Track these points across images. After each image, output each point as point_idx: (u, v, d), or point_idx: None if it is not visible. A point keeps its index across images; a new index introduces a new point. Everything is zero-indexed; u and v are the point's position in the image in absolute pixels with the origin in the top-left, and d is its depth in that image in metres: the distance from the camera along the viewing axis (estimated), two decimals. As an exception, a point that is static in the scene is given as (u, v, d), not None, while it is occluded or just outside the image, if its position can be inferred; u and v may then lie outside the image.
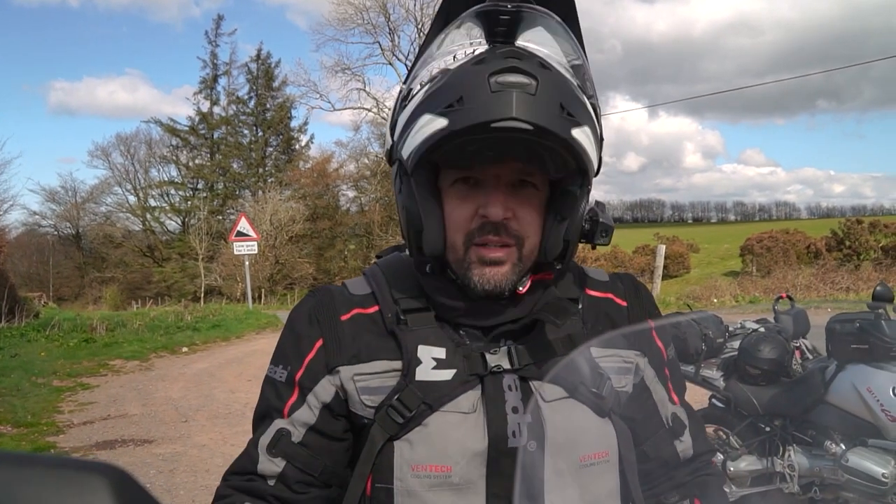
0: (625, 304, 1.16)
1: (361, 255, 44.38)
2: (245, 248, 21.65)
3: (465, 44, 0.98)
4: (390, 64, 37.51)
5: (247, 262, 22.37)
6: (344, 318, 1.08)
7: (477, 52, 0.95)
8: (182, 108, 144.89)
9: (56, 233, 51.74)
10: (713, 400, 4.40)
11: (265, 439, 1.06)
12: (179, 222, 51.96)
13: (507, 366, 1.02)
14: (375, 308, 1.09)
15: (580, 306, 1.12)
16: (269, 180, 49.29)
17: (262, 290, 39.10)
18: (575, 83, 0.97)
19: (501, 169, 0.99)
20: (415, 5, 36.11)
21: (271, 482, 1.05)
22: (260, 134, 52.79)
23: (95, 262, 49.06)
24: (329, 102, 38.09)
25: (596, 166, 1.02)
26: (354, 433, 1.08)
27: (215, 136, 52.11)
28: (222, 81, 52.48)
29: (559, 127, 0.91)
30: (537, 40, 0.97)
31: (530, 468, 0.98)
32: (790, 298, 5.37)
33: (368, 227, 43.27)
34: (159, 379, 10.60)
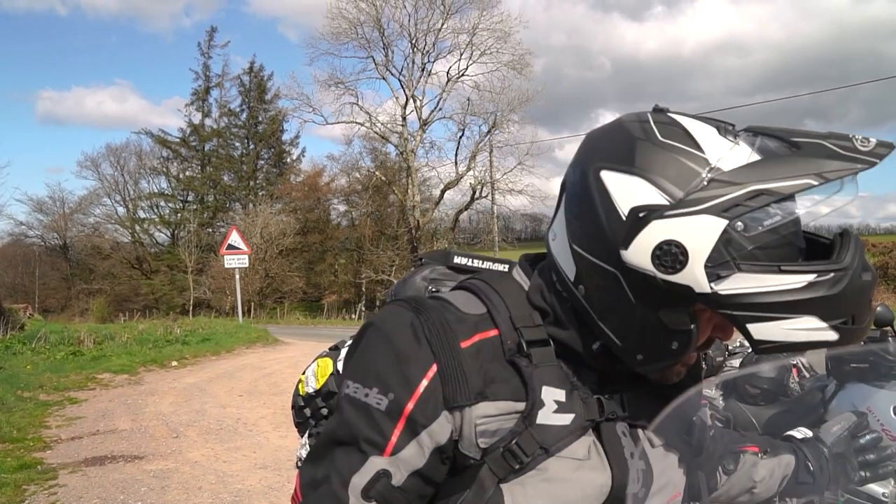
0: None
1: (352, 269, 44.39)
2: (236, 262, 21.55)
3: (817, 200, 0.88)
4: (383, 78, 37.57)
5: (237, 276, 22.26)
6: (464, 343, 0.95)
7: (860, 257, 0.86)
8: (171, 119, 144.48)
9: (43, 243, 51.55)
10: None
11: (359, 479, 0.93)
12: (169, 234, 51.96)
13: (620, 412, 1.00)
14: (495, 332, 0.97)
15: None
16: (260, 193, 49.34)
17: (252, 304, 39.00)
18: None
19: None
20: (409, 21, 36.25)
21: None
22: (251, 147, 52.85)
23: (83, 273, 48.85)
24: (322, 116, 37.99)
25: None
26: (452, 471, 0.97)
27: (206, 148, 52.19)
28: (214, 93, 52.76)
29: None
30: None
31: None
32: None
33: (359, 242, 43.27)
34: (149, 393, 10.49)
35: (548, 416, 0.94)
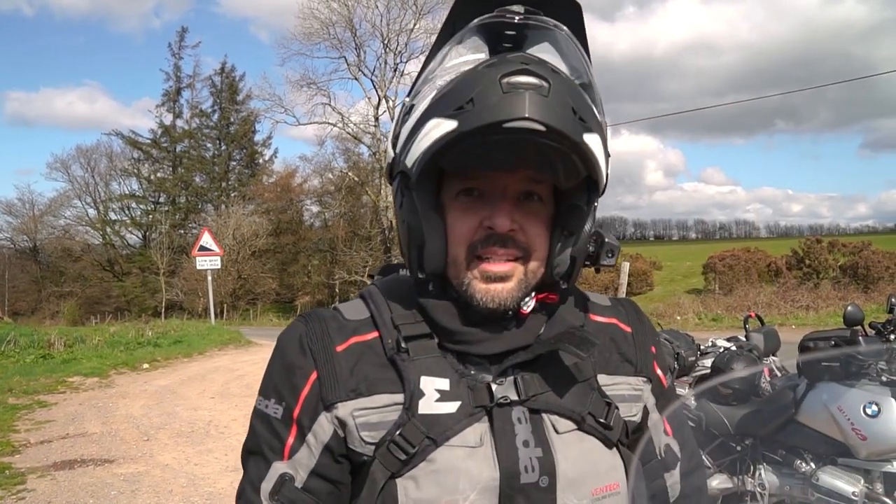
0: (629, 329, 1.13)
1: (325, 270, 44.20)
2: (208, 263, 21.38)
3: (467, 60, 0.94)
4: (356, 79, 37.52)
5: (210, 277, 22.07)
6: (339, 347, 1.00)
7: (488, 59, 0.92)
8: (142, 120, 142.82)
9: (12, 246, 50.56)
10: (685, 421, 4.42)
11: (266, 485, 0.99)
12: (140, 236, 51.32)
13: (514, 397, 0.97)
14: (374, 334, 1.02)
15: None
16: (233, 194, 48.95)
17: (225, 306, 38.68)
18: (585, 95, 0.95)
19: (508, 179, 0.96)
20: (381, 21, 36.21)
21: None
22: (223, 148, 52.45)
23: (53, 275, 48.07)
24: (294, 117, 38.01)
25: (604, 181, 0.99)
26: (353, 471, 1.00)
27: (178, 149, 51.68)
28: (185, 94, 52.23)
29: (572, 130, 0.88)
30: (542, 57, 0.93)
31: None
32: (759, 318, 5.44)
33: (332, 243, 43.12)
34: (120, 396, 10.35)
35: (430, 406, 0.94)
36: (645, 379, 1.10)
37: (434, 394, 0.95)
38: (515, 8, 0.95)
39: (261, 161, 53.87)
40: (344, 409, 0.97)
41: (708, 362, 4.46)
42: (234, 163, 53.51)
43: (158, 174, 51.66)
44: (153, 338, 16.91)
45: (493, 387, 0.97)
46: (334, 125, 37.28)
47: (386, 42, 36.62)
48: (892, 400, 3.60)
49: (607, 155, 0.98)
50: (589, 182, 0.98)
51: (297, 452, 0.99)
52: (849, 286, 23.35)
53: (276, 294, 45.81)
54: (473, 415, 0.95)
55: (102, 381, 11.68)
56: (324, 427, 0.98)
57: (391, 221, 36.74)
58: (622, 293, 18.33)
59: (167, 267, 42.77)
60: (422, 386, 0.95)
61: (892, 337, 3.83)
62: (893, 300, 4.18)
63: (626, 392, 1.06)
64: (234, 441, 7.51)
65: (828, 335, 3.87)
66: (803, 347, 3.96)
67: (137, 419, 8.70)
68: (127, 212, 51.43)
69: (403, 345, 0.98)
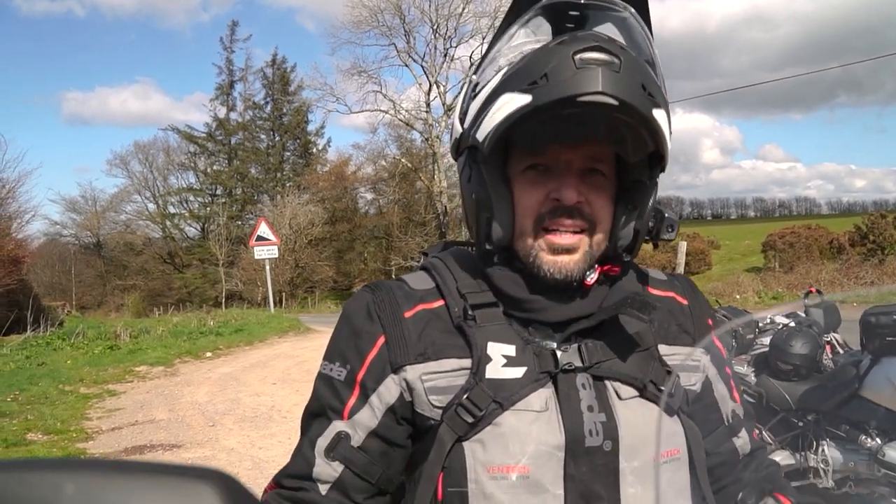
0: (686, 302, 1.15)
1: (381, 256, 44.56)
2: (266, 252, 21.69)
3: (531, 40, 0.97)
4: (406, 65, 37.57)
5: (268, 266, 22.42)
6: (408, 314, 1.03)
7: (559, 36, 0.94)
8: (194, 114, 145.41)
9: (77, 242, 52.32)
10: (745, 396, 4.36)
11: (323, 441, 1.02)
12: (199, 228, 52.43)
13: (578, 363, 0.99)
14: (441, 302, 1.05)
15: None
16: (288, 184, 49.55)
17: (283, 294, 39.31)
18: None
19: (573, 154, 0.99)
20: (429, 6, 36.14)
21: (325, 488, 1.01)
22: (277, 139, 53.12)
23: (117, 270, 49.57)
24: (346, 105, 38.28)
25: (668, 157, 1.01)
26: (418, 435, 1.03)
27: (233, 141, 52.57)
28: (238, 87, 53.00)
29: (642, 105, 0.90)
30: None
31: (606, 468, 0.96)
32: (819, 292, 5.32)
33: (387, 229, 43.40)
34: (185, 384, 10.64)
35: (497, 371, 0.97)
36: (703, 350, 1.12)
37: (501, 359, 0.98)
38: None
39: (314, 150, 54.47)
40: (413, 373, 1.00)
41: (766, 339, 4.38)
42: (288, 153, 54.21)
43: (214, 167, 52.75)
44: (215, 327, 17.32)
45: (558, 353, 1.00)
46: (386, 112, 37.47)
47: (435, 27, 36.57)
48: (959, 374, 3.51)
49: (670, 129, 1.00)
50: (652, 158, 1.01)
51: (358, 413, 1.02)
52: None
53: (334, 282, 46.34)
54: (539, 380, 0.98)
55: (168, 370, 12.03)
56: (390, 389, 1.01)
57: (446, 206, 36.84)
58: (680, 272, 18.08)
59: (226, 258, 43.62)
60: (489, 352, 0.98)
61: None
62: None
63: (686, 362, 1.08)
64: (296, 425, 7.55)
65: (891, 310, 3.77)
66: (865, 323, 3.87)
67: (202, 405, 8.94)
68: (185, 205, 52.72)
69: (470, 312, 1.02)
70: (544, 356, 0.99)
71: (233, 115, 52.71)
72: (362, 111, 37.61)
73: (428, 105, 37.31)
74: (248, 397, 9.39)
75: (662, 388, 1.01)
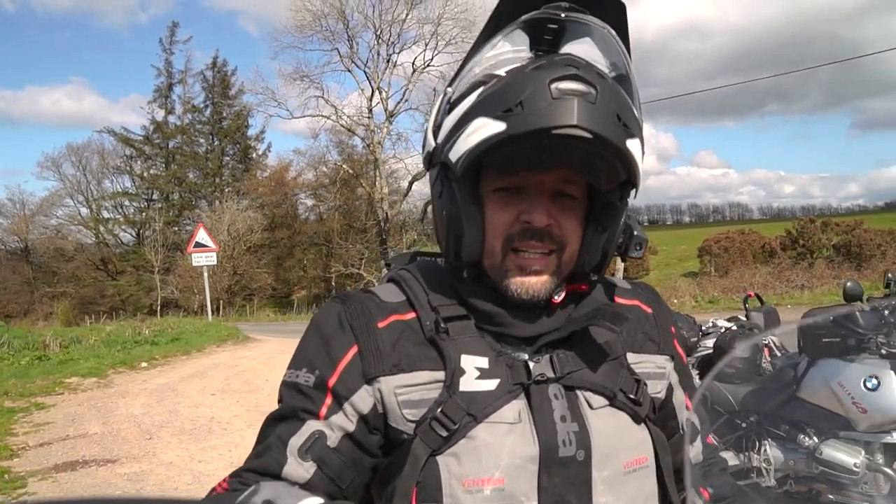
0: (650, 310, 1.17)
1: (321, 263, 44.23)
2: (204, 259, 21.35)
3: (508, 50, 0.97)
4: (349, 71, 37.31)
5: (206, 274, 22.03)
6: (381, 324, 1.02)
7: (531, 58, 0.94)
8: (131, 117, 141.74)
9: (3, 247, 50.42)
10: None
11: (297, 440, 0.99)
12: (134, 234, 51.25)
13: (550, 374, 1.00)
14: (412, 315, 1.04)
15: None
16: (227, 190, 48.87)
17: (221, 302, 38.67)
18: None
19: (546, 176, 0.99)
20: (373, 12, 36.03)
21: None
22: (216, 143, 52.35)
23: (46, 276, 47.91)
24: (287, 110, 37.58)
25: (642, 173, 1.01)
26: (389, 448, 1.02)
27: (170, 145, 51.61)
28: (177, 90, 52.01)
29: (616, 137, 0.90)
30: (581, 51, 0.95)
31: (579, 478, 0.97)
32: (758, 297, 5.47)
33: (328, 236, 43.10)
34: (119, 396, 10.32)
35: (471, 383, 0.97)
36: (668, 357, 1.15)
37: (474, 371, 0.98)
38: (562, 4, 0.96)
39: (254, 156, 53.87)
40: (386, 385, 0.99)
41: (709, 342, 4.49)
42: (228, 158, 53.48)
43: (151, 171, 51.56)
44: (150, 336, 16.92)
45: (531, 364, 1.00)
46: (328, 118, 37.16)
47: (378, 33, 36.46)
48: (892, 373, 3.64)
49: (643, 154, 1.01)
50: (624, 181, 1.01)
51: (334, 415, 0.99)
52: (842, 264, 23.55)
53: (273, 289, 45.86)
54: (512, 392, 0.98)
55: (101, 381, 11.65)
56: (364, 399, 0.99)
57: (387, 213, 36.75)
58: (619, 278, 18.45)
59: (162, 264, 42.74)
60: (462, 364, 0.98)
61: (887, 312, 3.85)
62: (890, 276, 4.22)
63: (652, 370, 1.11)
64: (237, 437, 7.51)
65: (828, 312, 3.89)
66: (804, 325, 3.97)
67: (138, 418, 8.68)
68: (120, 210, 51.38)
69: (442, 325, 1.01)
70: (517, 368, 0.99)
71: (171, 119, 51.77)
72: (304, 116, 37.23)
73: (370, 111, 37.16)
74: (187, 409, 9.16)
75: (632, 396, 1.03)
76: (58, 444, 7.51)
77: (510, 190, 1.00)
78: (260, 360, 13.17)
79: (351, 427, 0.99)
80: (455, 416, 0.95)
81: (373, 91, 37.03)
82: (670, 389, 1.14)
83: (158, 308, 39.11)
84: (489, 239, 1.00)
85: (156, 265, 42.32)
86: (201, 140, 52.84)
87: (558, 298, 1.03)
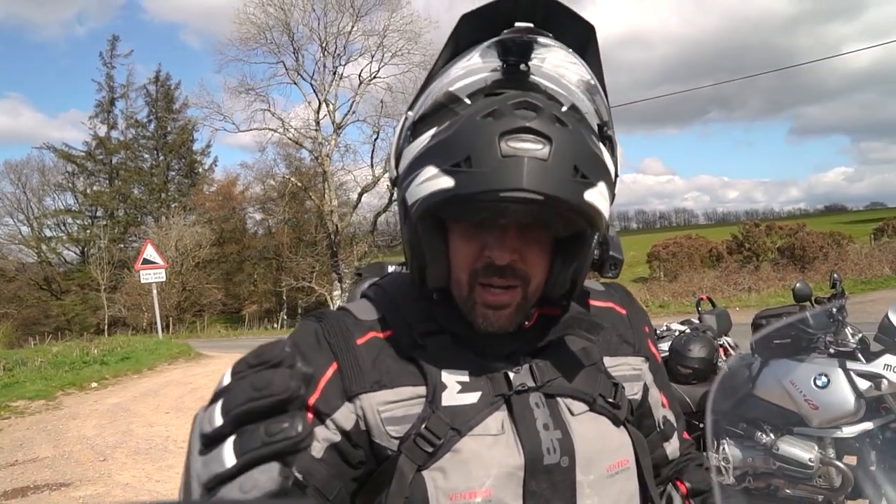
0: (624, 312, 1.18)
1: (271, 277, 43.71)
2: (153, 276, 20.93)
3: (476, 64, 0.93)
4: (295, 83, 36.93)
5: (155, 291, 21.62)
6: (360, 341, 1.02)
7: (488, 101, 0.88)
8: (71, 132, 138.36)
9: (-60, 269, 48.61)
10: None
11: None
12: (78, 252, 49.84)
13: (530, 383, 1.00)
14: (390, 332, 1.04)
15: None
16: (173, 205, 47.88)
17: (171, 319, 37.93)
18: (589, 131, 0.93)
19: None
20: (318, 24, 35.78)
21: None
22: (161, 158, 51.31)
23: (-15, 298, 46.34)
24: (233, 124, 36.98)
25: (608, 211, 0.97)
26: (374, 464, 1.01)
27: (114, 161, 50.35)
28: (119, 104, 50.88)
29: (572, 194, 0.86)
30: (555, 60, 0.93)
31: (564, 483, 0.97)
32: (710, 300, 5.60)
33: (277, 250, 42.61)
34: (70, 417, 10.08)
35: (453, 397, 0.97)
36: (643, 358, 1.15)
37: (455, 386, 0.98)
38: (524, 27, 0.94)
39: (201, 170, 52.88)
40: (368, 402, 0.98)
41: (664, 346, 4.57)
42: (174, 173, 52.44)
43: (94, 187, 50.23)
44: (99, 356, 16.47)
45: (511, 375, 1.00)
46: (275, 131, 36.73)
47: (324, 46, 36.23)
48: (839, 371, 3.78)
49: (614, 180, 0.98)
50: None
51: (317, 428, 0.97)
52: (787, 267, 24.10)
53: (223, 304, 45.13)
54: (494, 403, 0.98)
55: (49, 404, 11.35)
56: (346, 416, 0.98)
57: (337, 226, 36.47)
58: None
59: (108, 282, 41.68)
60: (443, 379, 0.98)
61: (835, 311, 3.99)
62: (835, 276, 4.37)
63: (628, 372, 1.11)
64: (193, 454, 7.35)
65: (779, 312, 4.01)
66: (756, 326, 4.10)
67: (91, 439, 8.49)
68: (63, 228, 49.91)
69: (420, 341, 1.01)
70: (497, 379, 0.99)
71: (114, 134, 50.54)
72: (250, 130, 36.71)
73: (317, 123, 36.85)
74: (141, 428, 8.99)
75: (611, 400, 1.03)
76: (6, 470, 7.31)
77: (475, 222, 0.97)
78: (214, 377, 12.75)
79: (336, 438, 0.98)
80: (439, 432, 0.95)
81: (320, 103, 36.79)
82: (646, 389, 1.15)
83: (106, 327, 38.13)
84: (455, 271, 0.99)
85: (102, 283, 41.26)
86: (146, 155, 51.77)
87: (529, 324, 1.03)
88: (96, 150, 49.79)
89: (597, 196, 0.89)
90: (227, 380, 0.65)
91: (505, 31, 0.93)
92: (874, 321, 4.01)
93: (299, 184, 38.82)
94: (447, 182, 0.86)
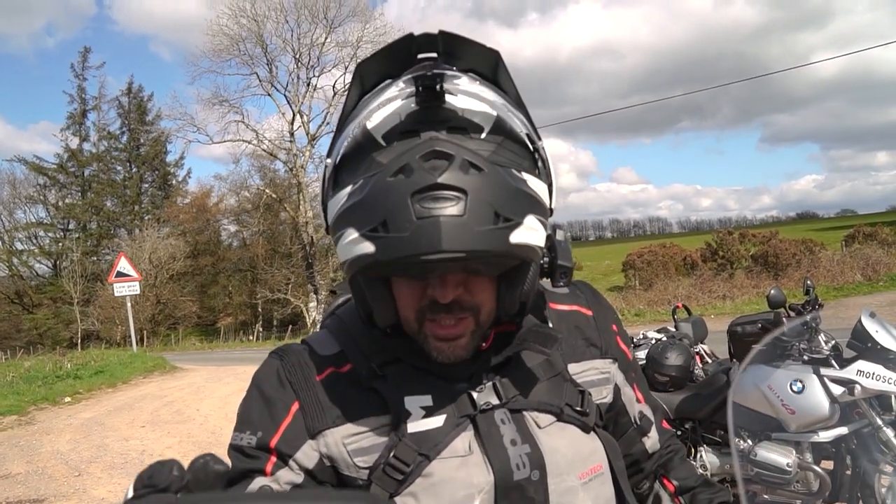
0: (591, 313, 1.17)
1: (246, 290, 43.47)
2: (126, 289, 20.70)
3: (392, 95, 0.90)
4: (269, 95, 36.96)
5: (129, 304, 21.38)
6: (319, 377, 1.02)
7: (398, 155, 0.84)
8: (42, 144, 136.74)
9: None
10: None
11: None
12: (50, 265, 49.31)
13: (495, 401, 0.99)
14: (349, 366, 1.03)
15: (549, 324, 1.10)
16: (147, 217, 47.61)
17: (145, 332, 37.51)
18: (513, 155, 0.89)
19: None
20: (291, 36, 35.85)
21: None
22: (134, 170, 51.02)
23: (-45, 312, 45.56)
24: (207, 135, 36.87)
25: (545, 238, 0.94)
26: None
27: (86, 173, 50.00)
28: (91, 116, 50.55)
29: (495, 243, 0.83)
30: (466, 82, 0.91)
31: (537, 497, 0.97)
32: (686, 308, 5.66)
33: (252, 262, 42.44)
34: (43, 433, 9.91)
35: (418, 423, 0.96)
36: (611, 360, 1.14)
37: (420, 411, 0.97)
38: (429, 63, 0.90)
39: (174, 182, 52.71)
40: (332, 437, 0.98)
41: (641, 354, 4.60)
42: (147, 185, 52.17)
43: (67, 200, 49.83)
44: (73, 370, 16.25)
45: (475, 394, 0.99)
46: (249, 142, 36.65)
47: (297, 57, 36.29)
48: (814, 376, 3.82)
49: (550, 191, 0.96)
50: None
51: (281, 471, 0.97)
52: (760, 274, 24.37)
53: (198, 317, 44.80)
54: (460, 425, 0.98)
55: (22, 419, 11.16)
56: (308, 455, 0.98)
57: (312, 237, 36.38)
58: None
59: (81, 296, 41.23)
60: (407, 406, 0.97)
61: (810, 317, 4.05)
62: (809, 283, 4.43)
63: (596, 377, 1.11)
64: (170, 469, 7.26)
65: (754, 319, 4.06)
66: (732, 333, 4.14)
67: (65, 455, 8.35)
68: (35, 241, 49.42)
69: (379, 371, 1.00)
70: (461, 400, 0.99)
71: (86, 146, 50.28)
72: (224, 141, 36.59)
73: (292, 134, 36.82)
74: (116, 442, 8.87)
75: (578, 408, 1.03)
76: (-22, 488, 7.18)
77: None
78: (189, 390, 12.87)
79: (299, 479, 0.97)
80: (407, 458, 0.94)
81: (294, 115, 36.77)
82: (617, 390, 1.15)
83: (79, 341, 37.65)
84: (402, 310, 0.97)
85: (75, 297, 40.81)
86: (118, 167, 51.55)
87: (486, 345, 1.03)
88: (68, 162, 49.40)
89: (524, 233, 0.86)
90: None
91: (410, 70, 0.90)
92: (847, 327, 4.07)
93: (274, 195, 38.71)
94: (368, 247, 0.84)
